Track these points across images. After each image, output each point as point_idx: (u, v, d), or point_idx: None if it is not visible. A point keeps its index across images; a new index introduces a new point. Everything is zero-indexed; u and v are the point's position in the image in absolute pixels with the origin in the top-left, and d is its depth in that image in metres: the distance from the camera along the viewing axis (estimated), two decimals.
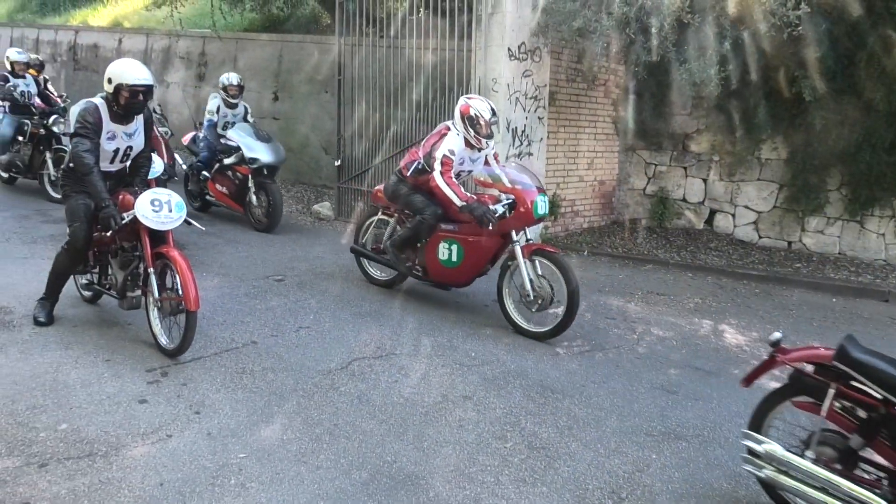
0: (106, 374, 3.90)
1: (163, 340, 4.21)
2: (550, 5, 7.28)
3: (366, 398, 3.86)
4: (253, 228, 7.90)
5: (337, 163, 9.04)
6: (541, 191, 5.03)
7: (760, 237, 8.60)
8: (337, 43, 9.01)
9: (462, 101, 5.28)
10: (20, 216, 7.50)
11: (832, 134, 7.75)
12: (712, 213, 8.94)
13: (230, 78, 8.38)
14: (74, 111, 4.39)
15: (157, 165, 5.56)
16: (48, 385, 3.72)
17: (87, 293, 4.99)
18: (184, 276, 4.01)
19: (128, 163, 4.58)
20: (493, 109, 5.21)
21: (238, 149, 7.78)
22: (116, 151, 4.41)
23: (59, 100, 9.58)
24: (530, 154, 7.86)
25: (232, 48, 12.10)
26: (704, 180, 8.96)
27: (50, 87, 10.00)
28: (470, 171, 5.46)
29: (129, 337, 4.49)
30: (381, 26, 8.47)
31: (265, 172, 7.72)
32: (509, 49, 7.40)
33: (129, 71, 4.25)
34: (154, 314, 4.24)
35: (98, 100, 4.33)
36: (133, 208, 4.12)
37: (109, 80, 4.23)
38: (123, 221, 4.16)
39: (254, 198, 7.83)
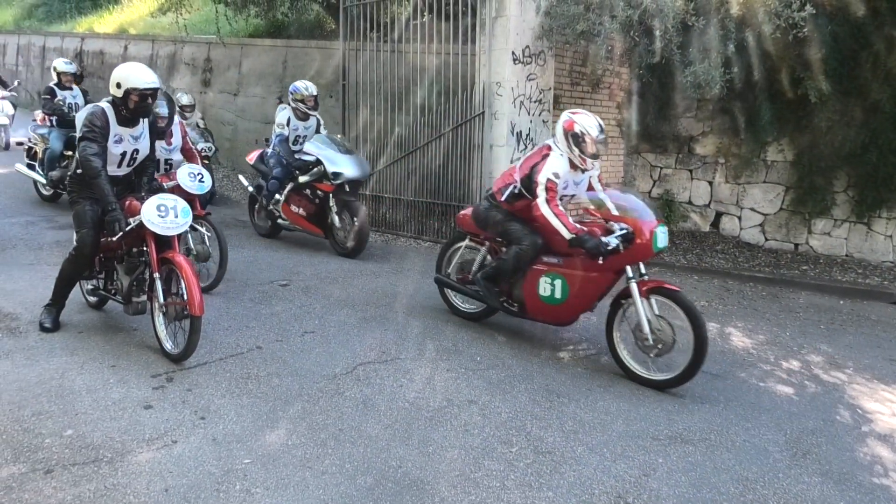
0: (111, 380, 3.90)
1: (167, 345, 4.22)
2: (554, 9, 7.28)
3: (371, 403, 3.85)
4: (336, 254, 7.15)
5: None
6: (660, 221, 4.45)
7: (767, 239, 8.57)
8: (341, 48, 9.03)
9: (565, 116, 4.66)
10: (26, 223, 7.53)
11: (838, 135, 7.72)
12: (718, 215, 8.91)
13: (308, 87, 7.38)
14: (80, 116, 4.41)
15: (207, 180, 5.48)
16: (54, 391, 3.72)
17: (92, 299, 5.00)
18: (189, 281, 4.01)
19: (134, 167, 4.59)
20: (600, 126, 4.62)
21: (317, 163, 7.00)
22: (123, 155, 4.43)
23: None
24: None
25: (237, 54, 12.14)
26: (710, 183, 8.93)
27: (91, 97, 9.88)
28: (573, 196, 4.84)
29: (134, 342, 4.49)
30: (385, 31, 8.49)
31: (346, 189, 6.97)
32: (513, 53, 7.40)
33: (136, 75, 4.28)
34: (159, 319, 4.25)
35: (104, 104, 4.35)
36: (139, 214, 4.14)
37: (118, 85, 4.25)
38: (129, 227, 4.18)
39: (336, 218, 7.02)
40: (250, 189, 7.86)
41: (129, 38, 15.11)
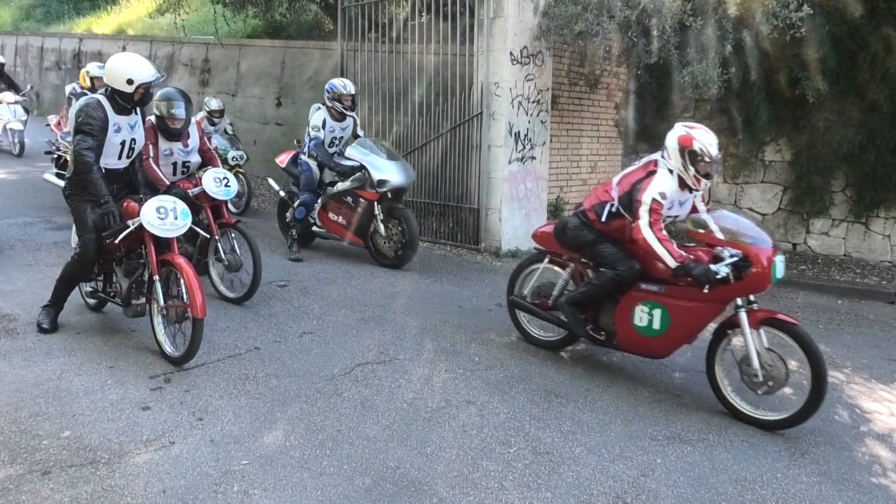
0: (109, 382, 3.89)
1: (168, 348, 4.21)
2: (552, 9, 7.29)
3: (369, 403, 3.85)
4: (378, 264, 6.83)
5: None
6: (777, 249, 3.92)
7: None
8: (339, 48, 9.04)
9: (680, 129, 4.12)
10: (24, 223, 7.52)
11: (836, 135, 7.73)
12: None
13: (346, 85, 6.86)
14: (72, 112, 4.40)
15: (233, 184, 5.28)
16: (51, 392, 3.72)
17: (91, 301, 4.99)
18: (190, 284, 4.00)
19: (132, 158, 4.59)
20: (718, 143, 4.13)
21: (360, 169, 6.62)
22: (123, 144, 4.44)
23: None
24: (533, 158, 7.86)
25: (235, 54, 12.15)
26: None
27: None
28: (676, 217, 4.35)
29: (132, 344, 4.49)
30: (383, 31, 8.49)
31: (389, 196, 6.61)
32: (511, 53, 7.41)
33: (144, 69, 4.33)
34: (158, 321, 4.24)
35: (99, 96, 4.38)
36: (138, 216, 4.13)
37: (130, 81, 4.26)
38: (129, 229, 4.16)
39: (381, 227, 6.63)
40: (281, 194, 7.33)
41: (128, 38, 15.11)
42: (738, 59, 7.24)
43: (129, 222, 4.17)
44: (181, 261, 4.13)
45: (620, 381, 4.43)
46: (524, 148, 7.72)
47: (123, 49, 14.75)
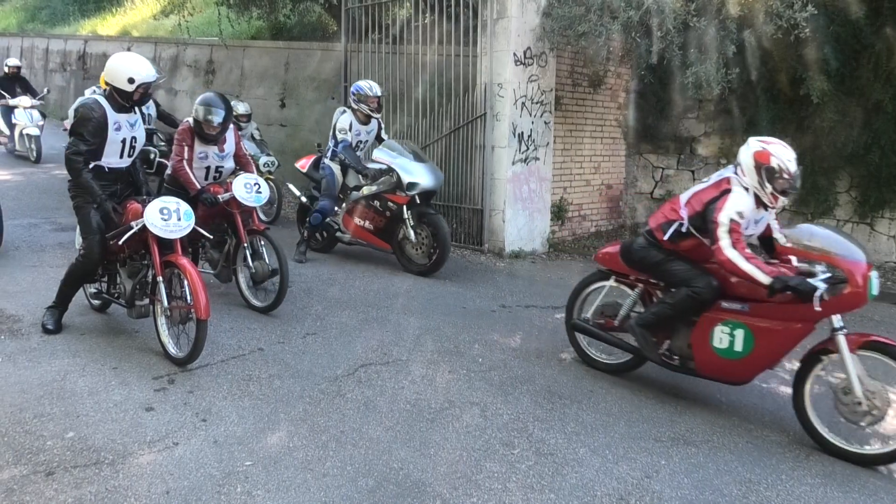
0: (113, 382, 3.90)
1: (171, 349, 4.22)
2: (555, 10, 7.28)
3: (372, 405, 3.85)
4: (404, 270, 6.70)
5: None
6: (871, 265, 3.63)
7: None
8: (343, 49, 9.05)
9: (756, 145, 3.88)
10: (29, 224, 7.54)
11: (840, 136, 7.70)
12: None
13: (372, 87, 6.72)
14: (71, 111, 4.43)
15: (264, 191, 5.19)
16: (55, 393, 3.73)
17: (95, 302, 5.00)
18: (194, 284, 4.01)
19: (134, 157, 4.60)
20: (795, 157, 3.86)
21: (388, 172, 6.50)
22: (124, 142, 4.45)
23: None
24: (537, 159, 7.86)
25: (239, 56, 12.16)
26: None
27: (163, 107, 8.69)
28: (751, 236, 4.06)
29: (136, 345, 4.50)
30: (386, 32, 8.50)
31: (417, 200, 6.47)
32: (514, 54, 7.40)
33: (143, 69, 4.34)
34: (162, 322, 4.25)
35: (97, 96, 4.40)
36: (142, 217, 4.14)
37: (131, 80, 4.28)
38: (132, 231, 4.17)
39: (411, 233, 6.47)
40: (302, 199, 7.27)
41: (132, 40, 15.13)
42: (742, 60, 7.21)
43: (133, 223, 4.18)
44: (185, 261, 4.15)
45: (624, 383, 4.42)
46: (528, 149, 7.72)
47: (128, 50, 14.80)
